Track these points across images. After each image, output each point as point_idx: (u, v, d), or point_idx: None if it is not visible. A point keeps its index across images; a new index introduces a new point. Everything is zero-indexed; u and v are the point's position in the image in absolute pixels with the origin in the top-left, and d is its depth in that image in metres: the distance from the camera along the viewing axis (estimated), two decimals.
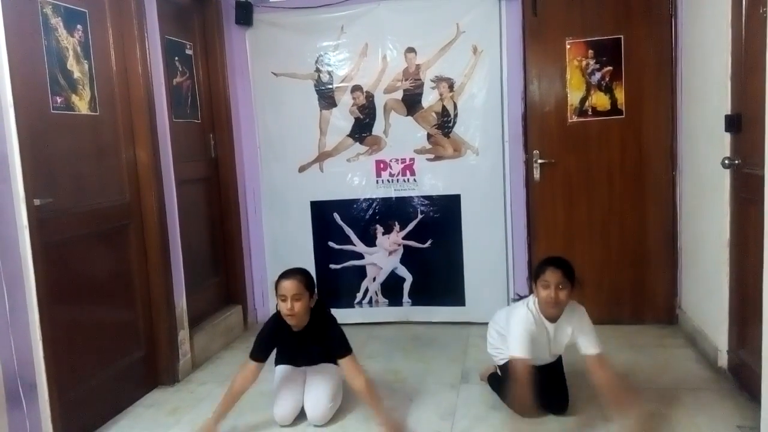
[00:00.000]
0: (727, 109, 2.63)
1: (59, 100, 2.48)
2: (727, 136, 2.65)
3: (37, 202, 2.26)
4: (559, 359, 2.55)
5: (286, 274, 2.46)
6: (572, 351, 2.49)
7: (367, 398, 2.42)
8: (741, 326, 2.62)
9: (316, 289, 2.52)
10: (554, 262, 2.38)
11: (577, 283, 2.36)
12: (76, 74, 2.57)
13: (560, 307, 2.37)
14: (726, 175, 2.66)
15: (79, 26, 2.60)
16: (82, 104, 2.61)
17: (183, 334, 3.14)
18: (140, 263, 2.93)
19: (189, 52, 3.51)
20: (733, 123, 2.59)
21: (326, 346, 2.49)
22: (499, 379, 2.66)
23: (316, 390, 2.50)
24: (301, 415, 2.57)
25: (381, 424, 2.39)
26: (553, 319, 2.41)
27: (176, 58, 3.37)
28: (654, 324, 3.53)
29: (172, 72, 3.31)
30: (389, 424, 2.38)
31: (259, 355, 2.48)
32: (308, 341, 2.49)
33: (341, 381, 2.64)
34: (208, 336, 3.42)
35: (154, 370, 3.01)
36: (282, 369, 2.53)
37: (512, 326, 2.41)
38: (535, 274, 2.44)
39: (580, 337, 2.39)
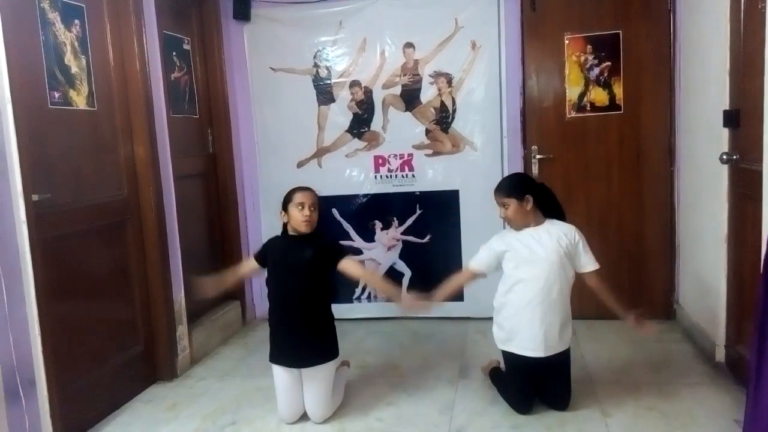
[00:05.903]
0: (726, 104, 2.64)
1: (57, 95, 2.47)
2: (726, 132, 2.65)
3: (35, 197, 2.25)
4: (567, 357, 2.53)
5: (302, 188, 2.55)
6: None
7: (375, 282, 2.70)
8: (738, 321, 2.63)
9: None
10: (498, 186, 2.54)
11: (525, 197, 2.44)
12: (74, 69, 2.57)
13: (516, 223, 2.49)
14: (724, 171, 2.67)
15: (76, 21, 2.59)
16: (79, 99, 2.60)
17: (181, 330, 3.14)
18: (138, 259, 2.93)
19: (187, 47, 3.49)
20: (731, 118, 2.59)
21: (321, 249, 2.52)
22: (501, 374, 2.67)
23: (315, 389, 2.50)
24: (303, 413, 2.57)
25: (397, 302, 2.75)
26: (523, 227, 2.50)
27: (174, 53, 3.36)
28: (652, 319, 3.48)
29: (170, 67, 3.30)
30: (405, 299, 2.72)
31: (258, 254, 2.64)
32: (303, 244, 2.52)
33: (339, 379, 2.65)
34: (207, 331, 3.43)
35: (152, 365, 3.02)
36: (279, 373, 2.53)
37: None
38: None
39: (578, 255, 2.48)
